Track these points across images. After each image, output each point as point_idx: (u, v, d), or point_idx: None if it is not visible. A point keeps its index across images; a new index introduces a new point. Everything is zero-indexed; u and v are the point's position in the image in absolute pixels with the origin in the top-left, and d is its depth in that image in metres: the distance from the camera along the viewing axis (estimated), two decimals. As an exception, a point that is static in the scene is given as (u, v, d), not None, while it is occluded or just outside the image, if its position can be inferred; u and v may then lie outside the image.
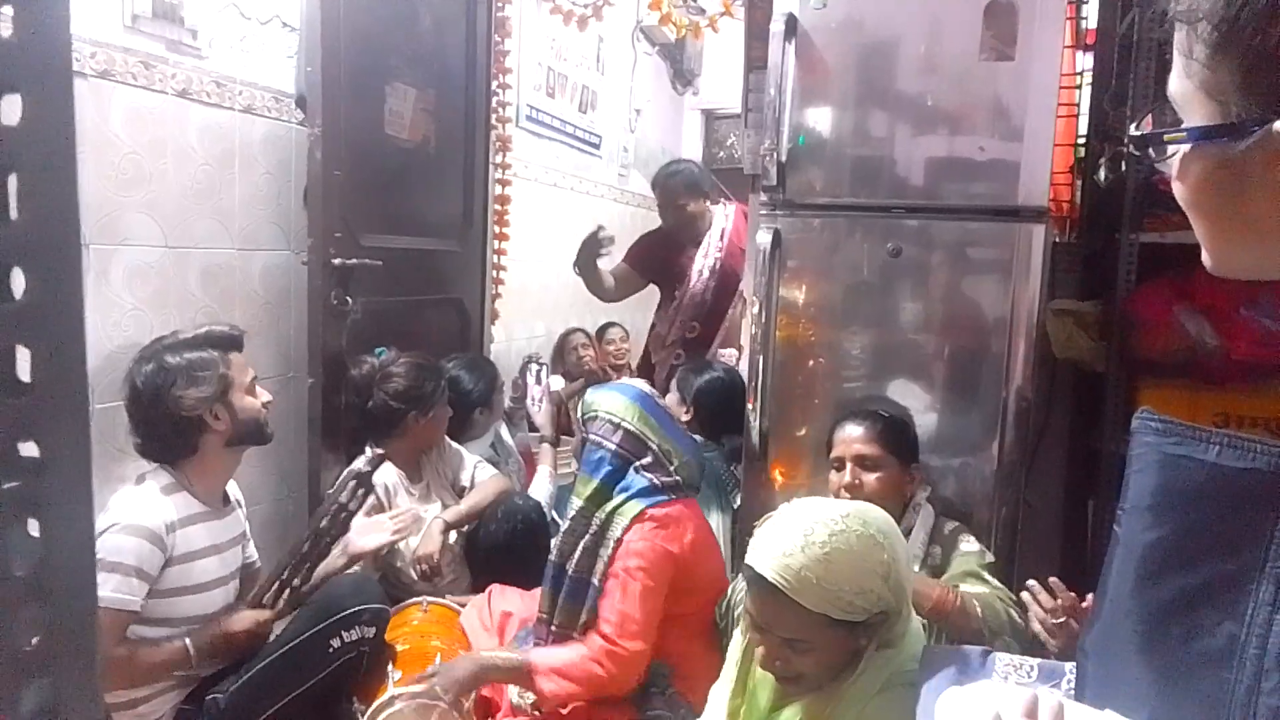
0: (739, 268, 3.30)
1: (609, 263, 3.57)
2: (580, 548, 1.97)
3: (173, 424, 1.85)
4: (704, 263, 3.44)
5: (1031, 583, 1.63)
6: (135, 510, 1.78)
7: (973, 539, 1.99)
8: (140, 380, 1.85)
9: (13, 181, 0.34)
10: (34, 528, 0.35)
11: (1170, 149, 0.61)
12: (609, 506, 1.98)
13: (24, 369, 0.35)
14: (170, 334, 1.95)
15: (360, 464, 2.20)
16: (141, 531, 1.75)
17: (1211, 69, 0.56)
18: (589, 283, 3.52)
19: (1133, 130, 0.64)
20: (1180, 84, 0.60)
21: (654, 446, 2.04)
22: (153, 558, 1.76)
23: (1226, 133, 0.55)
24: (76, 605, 0.36)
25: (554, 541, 2.08)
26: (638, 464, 2.02)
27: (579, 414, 2.14)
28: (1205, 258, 0.64)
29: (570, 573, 1.98)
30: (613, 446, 2.02)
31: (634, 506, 1.97)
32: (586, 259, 3.39)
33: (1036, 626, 1.59)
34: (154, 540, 1.76)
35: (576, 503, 2.03)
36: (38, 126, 0.34)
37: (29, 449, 0.35)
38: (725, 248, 3.43)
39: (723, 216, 3.48)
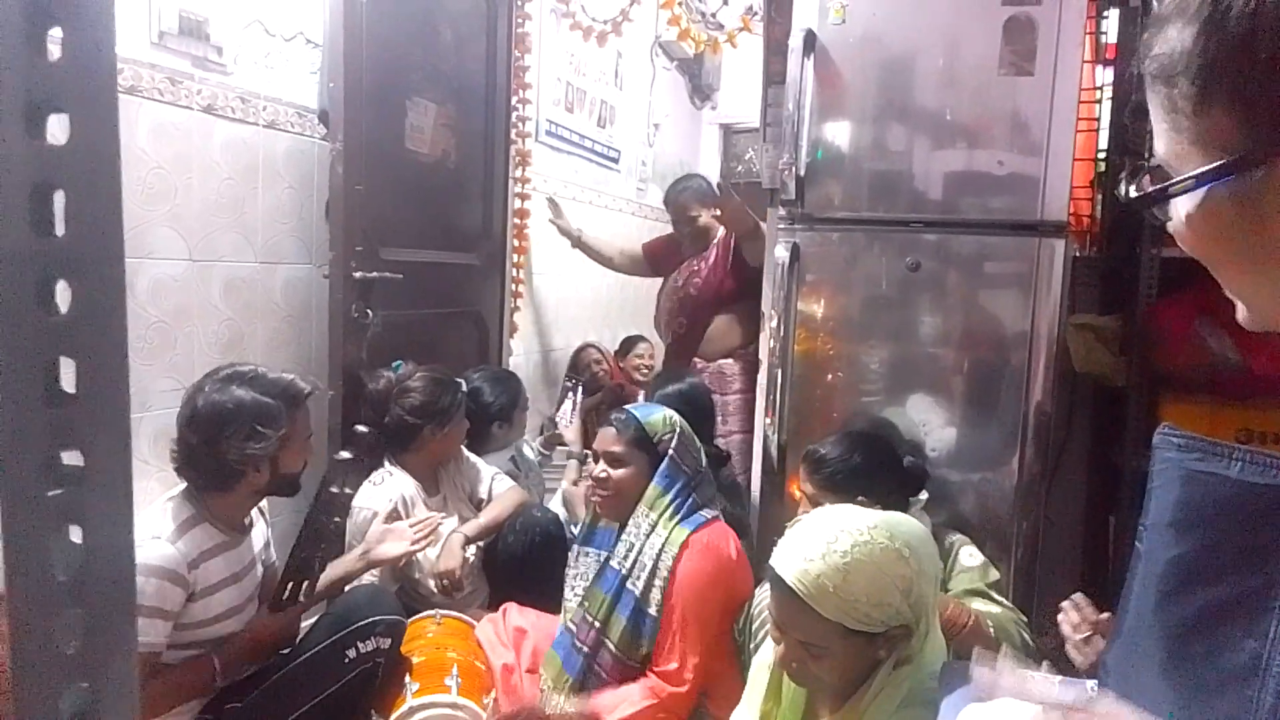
0: (726, 277, 3.35)
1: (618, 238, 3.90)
2: (644, 574, 1.99)
3: (214, 462, 1.82)
4: (691, 266, 3.47)
5: (1065, 603, 1.62)
6: (156, 551, 1.75)
7: (975, 552, 1.98)
8: (202, 404, 1.81)
9: (59, 198, 0.35)
10: (76, 534, 0.36)
11: (1174, 205, 0.59)
12: (664, 531, 2.01)
13: (68, 380, 0.36)
14: (249, 365, 1.90)
15: (343, 454, 2.20)
16: (163, 573, 1.74)
17: (1202, 118, 0.55)
18: (584, 252, 3.87)
19: (1132, 192, 0.62)
20: (1171, 144, 0.58)
21: (702, 468, 2.13)
22: (175, 597, 1.76)
23: (1236, 168, 0.54)
24: (116, 611, 0.36)
25: (618, 551, 2.08)
26: (694, 484, 2.09)
27: (656, 432, 2.12)
28: (1242, 313, 0.62)
29: (638, 595, 1.99)
30: (689, 470, 2.09)
31: (679, 534, 1.99)
32: (563, 230, 3.79)
33: (1069, 647, 1.58)
34: (176, 580, 1.75)
35: (652, 516, 2.04)
36: (84, 145, 0.35)
37: (72, 457, 0.36)
38: (715, 255, 3.42)
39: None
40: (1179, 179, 0.57)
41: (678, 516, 2.03)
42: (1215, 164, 0.55)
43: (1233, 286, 0.61)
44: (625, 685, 1.97)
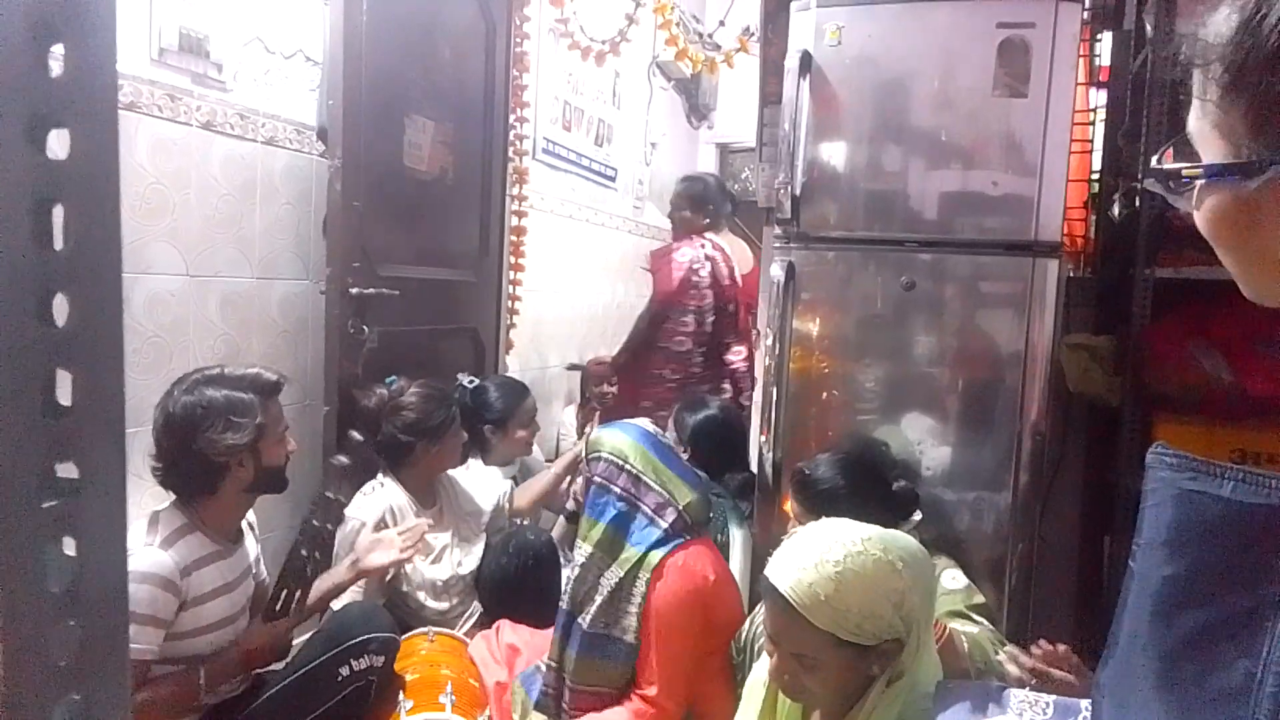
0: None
1: None
2: (597, 601, 1.95)
3: (198, 463, 1.81)
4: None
5: (1010, 648, 1.60)
6: (149, 558, 1.74)
7: (959, 575, 1.97)
8: (176, 409, 1.80)
9: (59, 212, 0.35)
10: (70, 546, 0.36)
11: (1188, 183, 0.63)
12: (624, 558, 1.96)
13: (64, 393, 0.36)
14: (215, 366, 1.91)
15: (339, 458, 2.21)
16: (156, 580, 1.73)
17: (1224, 110, 0.58)
18: None
19: (1153, 163, 0.66)
20: (1196, 123, 0.62)
21: (658, 488, 2.00)
22: (168, 604, 1.75)
23: (1239, 170, 0.57)
24: (109, 623, 0.36)
25: (564, 587, 2.06)
26: (646, 508, 1.99)
27: (584, 452, 2.14)
28: (1241, 287, 0.66)
29: (586, 627, 1.95)
30: (618, 490, 2.00)
31: (653, 558, 1.94)
32: None
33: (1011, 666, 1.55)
34: (168, 588, 1.74)
35: (585, 548, 1.99)
36: (84, 161, 0.36)
37: (67, 470, 0.36)
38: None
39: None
40: (1189, 165, 0.61)
41: (642, 548, 1.96)
42: (1222, 162, 0.58)
43: (1226, 264, 0.64)
44: (609, 709, 1.94)
